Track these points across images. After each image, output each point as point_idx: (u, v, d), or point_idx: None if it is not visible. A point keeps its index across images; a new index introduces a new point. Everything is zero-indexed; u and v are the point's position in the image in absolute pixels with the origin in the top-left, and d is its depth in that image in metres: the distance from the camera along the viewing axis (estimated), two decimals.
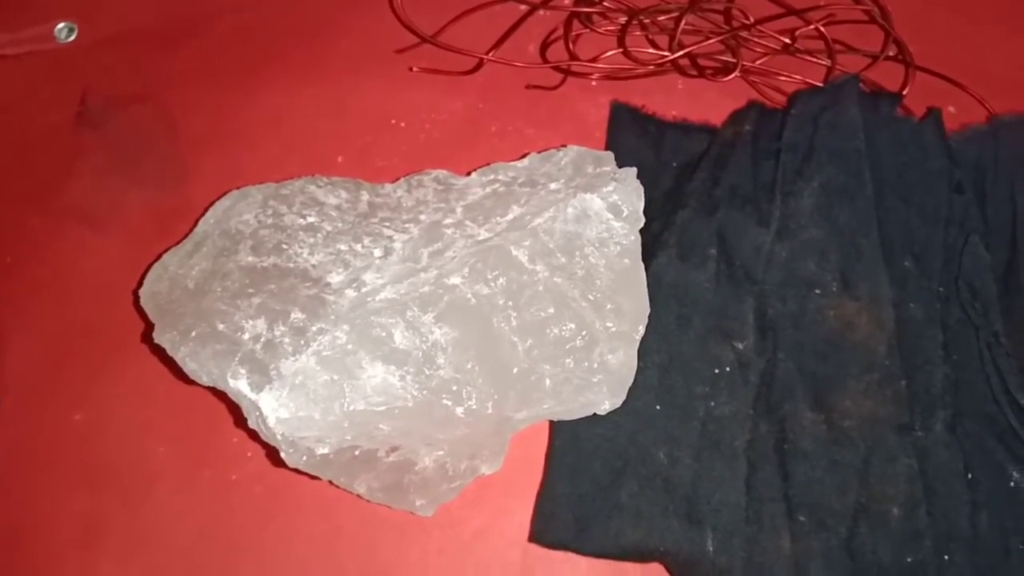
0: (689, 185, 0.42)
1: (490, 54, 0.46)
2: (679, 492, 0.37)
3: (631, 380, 0.36)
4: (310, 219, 0.38)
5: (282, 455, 0.33)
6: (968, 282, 0.40)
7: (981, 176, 0.41)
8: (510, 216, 0.37)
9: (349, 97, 0.47)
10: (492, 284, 0.35)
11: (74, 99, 0.48)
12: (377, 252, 0.37)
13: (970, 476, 0.37)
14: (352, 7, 0.49)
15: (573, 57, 0.46)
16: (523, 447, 0.39)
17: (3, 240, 0.45)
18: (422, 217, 0.38)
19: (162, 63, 0.49)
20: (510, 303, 0.35)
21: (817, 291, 0.39)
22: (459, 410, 0.34)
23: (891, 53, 0.45)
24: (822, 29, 0.44)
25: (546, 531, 0.38)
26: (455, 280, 0.35)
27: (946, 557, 0.36)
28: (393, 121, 0.47)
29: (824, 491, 0.37)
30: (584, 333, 0.35)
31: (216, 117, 0.47)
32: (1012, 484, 0.37)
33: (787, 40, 0.45)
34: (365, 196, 0.40)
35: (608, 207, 0.37)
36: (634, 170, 0.38)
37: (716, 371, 0.39)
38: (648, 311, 0.37)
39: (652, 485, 0.37)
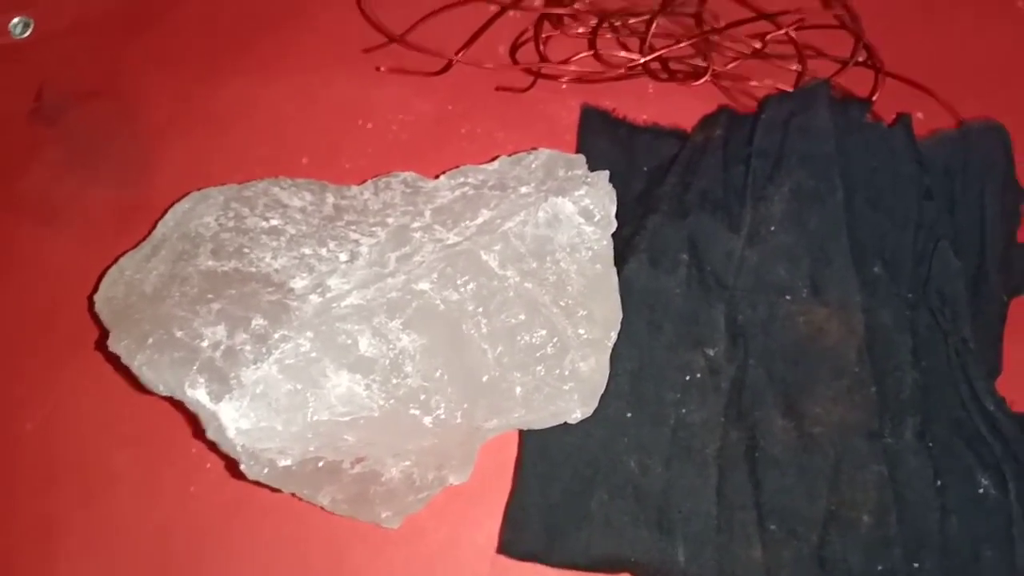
0: (660, 189, 0.41)
1: (459, 55, 0.45)
2: (650, 501, 0.37)
3: (603, 388, 0.36)
4: (273, 222, 0.37)
5: (242, 467, 0.32)
6: (937, 288, 0.40)
7: (950, 182, 0.42)
8: (480, 220, 0.36)
9: (315, 95, 0.46)
10: (462, 290, 0.34)
11: (30, 93, 0.46)
12: (343, 256, 0.36)
13: (939, 482, 0.37)
14: (318, 2, 0.48)
15: (543, 59, 0.46)
16: (492, 456, 0.38)
17: None
18: (389, 220, 0.37)
19: (122, 54, 0.47)
20: (480, 309, 0.34)
21: (787, 297, 0.39)
22: (427, 420, 0.33)
23: (861, 59, 0.44)
24: (792, 34, 0.44)
25: (515, 542, 0.37)
26: (424, 286, 0.34)
27: (916, 564, 0.36)
28: (360, 121, 0.46)
29: (795, 499, 0.37)
30: (555, 340, 0.35)
31: (178, 111, 0.46)
32: (981, 490, 0.37)
33: (758, 45, 0.45)
34: (330, 198, 0.39)
35: (580, 211, 0.37)
36: (606, 173, 0.38)
37: (687, 378, 0.39)
38: (620, 317, 0.37)
39: (623, 494, 0.37)
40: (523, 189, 0.38)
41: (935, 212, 0.41)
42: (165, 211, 0.39)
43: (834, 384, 0.38)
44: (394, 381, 0.33)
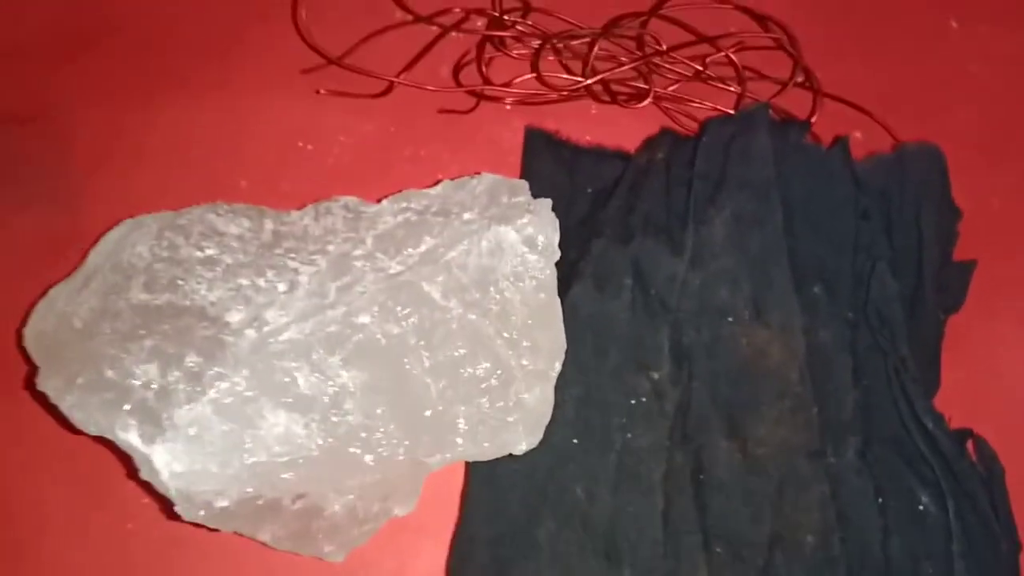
0: (604, 213, 0.41)
1: (401, 77, 0.45)
2: (597, 529, 0.37)
3: (548, 418, 0.36)
4: (209, 251, 0.36)
5: (177, 509, 0.31)
6: (876, 308, 0.40)
7: (887, 203, 0.42)
8: (423, 248, 0.36)
9: (253, 118, 0.45)
10: (403, 323, 0.34)
11: None
12: (281, 287, 0.35)
13: (881, 501, 0.38)
14: (255, 25, 0.47)
15: (486, 81, 0.45)
16: (438, 485, 0.37)
17: None
18: (330, 248, 0.36)
19: (53, 81, 0.46)
20: (422, 343, 0.34)
21: (730, 319, 0.39)
22: (368, 458, 0.33)
23: (799, 80, 0.45)
24: (732, 56, 0.44)
25: (462, 573, 0.37)
26: (364, 319, 0.33)
27: None
28: (300, 144, 0.45)
29: (740, 521, 0.37)
30: (499, 372, 0.34)
31: (110, 138, 0.45)
32: (921, 508, 0.38)
33: (698, 67, 0.45)
34: (269, 225, 0.38)
35: (523, 240, 0.36)
36: (548, 201, 0.38)
37: (633, 402, 0.39)
38: (564, 347, 0.37)
39: (570, 523, 0.37)
40: (466, 215, 0.37)
41: (872, 233, 0.41)
42: (97, 239, 0.38)
43: (777, 405, 0.38)
44: (334, 419, 0.32)
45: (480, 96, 0.45)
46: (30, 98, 0.45)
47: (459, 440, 0.34)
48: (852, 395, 0.39)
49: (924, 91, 0.48)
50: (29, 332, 0.35)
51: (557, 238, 0.37)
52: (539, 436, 0.35)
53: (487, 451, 0.35)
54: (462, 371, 0.34)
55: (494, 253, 0.36)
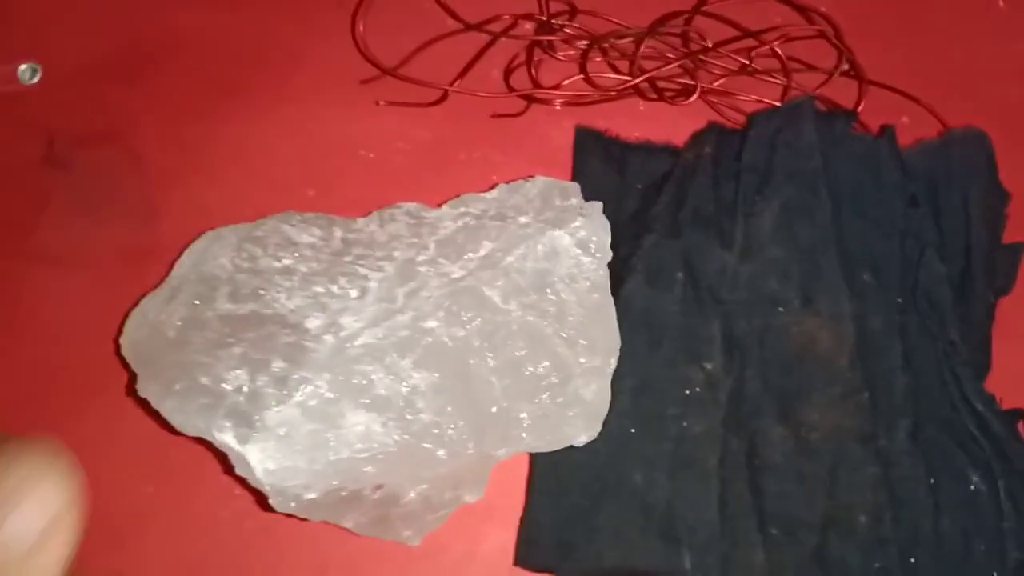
0: (654, 209, 0.43)
1: (455, 85, 0.46)
2: (656, 512, 0.39)
3: (605, 411, 0.38)
4: (285, 261, 0.38)
5: (271, 502, 0.34)
6: (925, 293, 0.41)
7: (934, 189, 0.43)
8: (482, 252, 0.38)
9: (317, 129, 0.48)
10: (467, 326, 0.36)
11: (40, 140, 0.48)
12: (353, 293, 0.37)
13: (932, 481, 0.39)
14: (315, 40, 0.49)
15: (536, 84, 0.47)
16: (504, 473, 0.39)
17: None
18: (396, 254, 0.39)
19: (125, 99, 0.48)
20: (486, 344, 0.36)
21: (780, 308, 0.41)
22: (440, 452, 0.35)
23: (845, 68, 0.46)
24: (777, 49, 0.45)
25: (530, 555, 0.39)
26: (431, 323, 0.36)
27: (912, 560, 0.38)
28: (362, 152, 0.47)
29: (794, 503, 0.38)
30: (558, 369, 0.36)
31: (182, 153, 0.47)
32: (972, 488, 0.39)
33: (744, 61, 0.46)
34: (338, 233, 0.40)
35: (576, 243, 0.38)
36: (600, 204, 0.39)
37: (687, 392, 0.40)
38: (619, 344, 0.38)
39: (630, 507, 0.38)
40: (521, 219, 0.39)
41: (921, 219, 0.42)
42: (181, 252, 0.41)
43: (828, 391, 0.40)
44: (408, 417, 0.35)
45: (530, 99, 0.47)
46: (106, 118, 0.48)
47: (523, 434, 0.36)
48: (902, 379, 0.40)
49: (971, 72, 0.49)
50: (125, 341, 0.38)
51: (608, 240, 0.39)
52: (598, 428, 0.37)
53: (549, 443, 0.37)
54: (524, 370, 0.36)
55: (549, 257, 0.38)
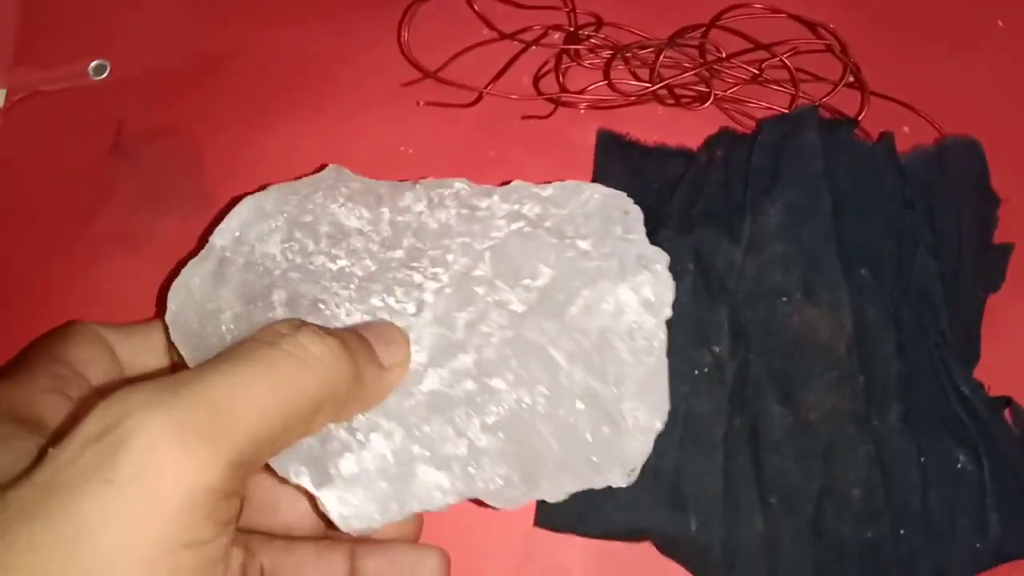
0: (669, 206, 0.46)
1: (489, 88, 0.50)
2: (665, 481, 0.42)
3: (642, 463, 0.37)
4: (340, 263, 0.37)
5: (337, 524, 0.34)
6: (918, 288, 0.44)
7: (929, 192, 0.46)
8: (540, 281, 0.37)
9: (362, 128, 0.52)
10: (533, 390, 0.35)
11: (108, 132, 0.52)
12: (410, 308, 0.36)
13: (922, 459, 0.42)
14: (360, 47, 0.53)
15: (563, 89, 0.51)
16: None
17: (50, 262, 0.49)
18: (449, 257, 0.38)
19: (187, 99, 0.53)
20: (549, 409, 0.35)
21: (783, 299, 0.44)
22: (497, 505, 0.36)
23: (849, 80, 0.49)
24: (786, 61, 0.49)
25: (549, 517, 0.43)
26: (499, 383, 0.35)
27: (901, 532, 0.41)
28: (402, 148, 0.51)
29: (792, 476, 0.41)
30: (611, 430, 0.36)
31: (236, 150, 0.51)
32: (959, 466, 0.42)
33: (756, 71, 0.50)
34: (386, 214, 0.39)
35: (641, 301, 0.37)
36: (666, 258, 0.39)
37: (696, 372, 0.43)
38: (668, 406, 0.37)
39: (642, 475, 0.42)
40: (580, 244, 0.38)
41: (916, 220, 0.45)
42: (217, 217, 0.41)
43: (826, 375, 0.42)
44: (472, 473, 0.34)
45: (557, 103, 0.51)
46: (169, 115, 0.52)
47: (567, 486, 0.36)
48: (896, 366, 0.43)
49: (970, 87, 0.52)
50: (171, 316, 0.36)
51: (671, 299, 0.38)
52: (634, 477, 0.36)
53: (586, 486, 0.37)
54: (580, 432, 0.35)
55: (614, 316, 0.37)
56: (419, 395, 0.35)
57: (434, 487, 0.34)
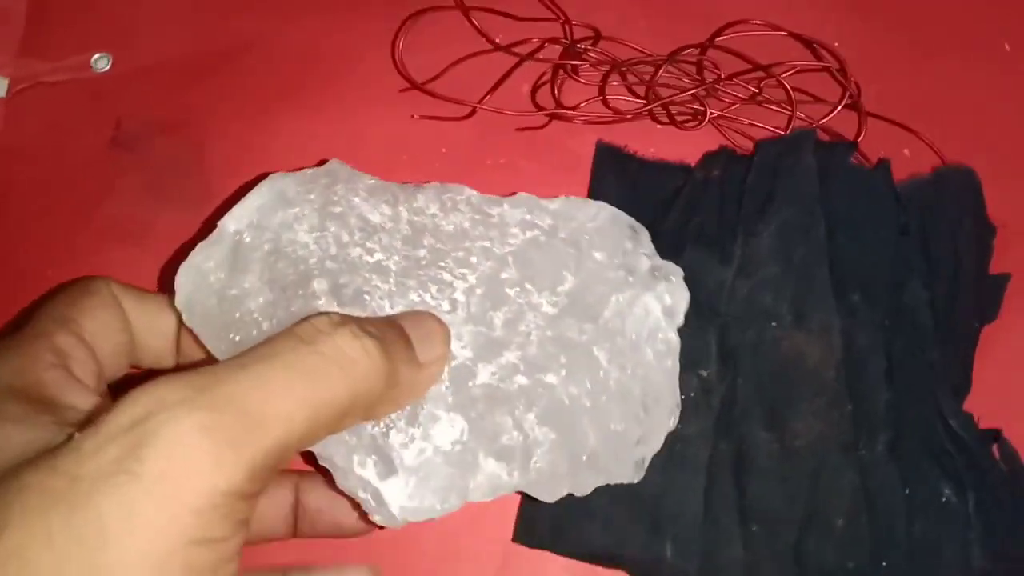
0: (662, 225, 0.46)
1: (483, 102, 0.50)
2: (646, 503, 0.42)
3: (651, 456, 0.39)
4: (376, 256, 0.37)
5: (376, 520, 0.34)
6: (909, 316, 0.44)
7: (925, 220, 0.46)
8: (566, 286, 0.38)
9: (362, 131, 0.51)
10: (580, 385, 0.37)
11: (109, 125, 0.52)
12: (445, 306, 0.36)
13: (907, 491, 0.41)
14: (362, 49, 0.53)
15: (559, 104, 0.50)
16: None
17: (50, 254, 0.49)
18: (473, 260, 0.38)
19: (189, 93, 0.53)
20: (592, 403, 0.37)
21: (773, 323, 0.43)
22: (540, 497, 0.37)
23: (848, 102, 0.49)
24: (784, 82, 0.48)
25: (527, 534, 0.42)
26: (551, 379, 0.36)
27: (883, 564, 0.40)
28: (399, 154, 0.51)
29: (775, 502, 0.41)
30: (637, 428, 0.38)
31: (239, 146, 0.51)
32: (944, 499, 0.41)
33: (754, 90, 0.49)
34: (404, 213, 0.39)
35: (663, 309, 0.39)
36: (680, 271, 0.41)
37: (682, 396, 0.43)
38: (679, 405, 0.39)
39: (622, 496, 0.41)
40: (596, 255, 0.39)
41: (910, 248, 0.45)
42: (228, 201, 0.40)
43: (814, 401, 0.42)
44: (526, 466, 0.36)
45: (552, 117, 0.50)
46: (171, 109, 0.52)
47: (590, 478, 0.37)
48: (884, 395, 0.43)
49: (973, 111, 0.51)
50: (184, 303, 0.35)
51: (685, 307, 0.40)
52: (641, 474, 0.38)
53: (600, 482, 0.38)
54: (612, 427, 0.37)
55: (642, 321, 0.39)
56: (475, 388, 0.35)
57: (494, 477, 0.35)
